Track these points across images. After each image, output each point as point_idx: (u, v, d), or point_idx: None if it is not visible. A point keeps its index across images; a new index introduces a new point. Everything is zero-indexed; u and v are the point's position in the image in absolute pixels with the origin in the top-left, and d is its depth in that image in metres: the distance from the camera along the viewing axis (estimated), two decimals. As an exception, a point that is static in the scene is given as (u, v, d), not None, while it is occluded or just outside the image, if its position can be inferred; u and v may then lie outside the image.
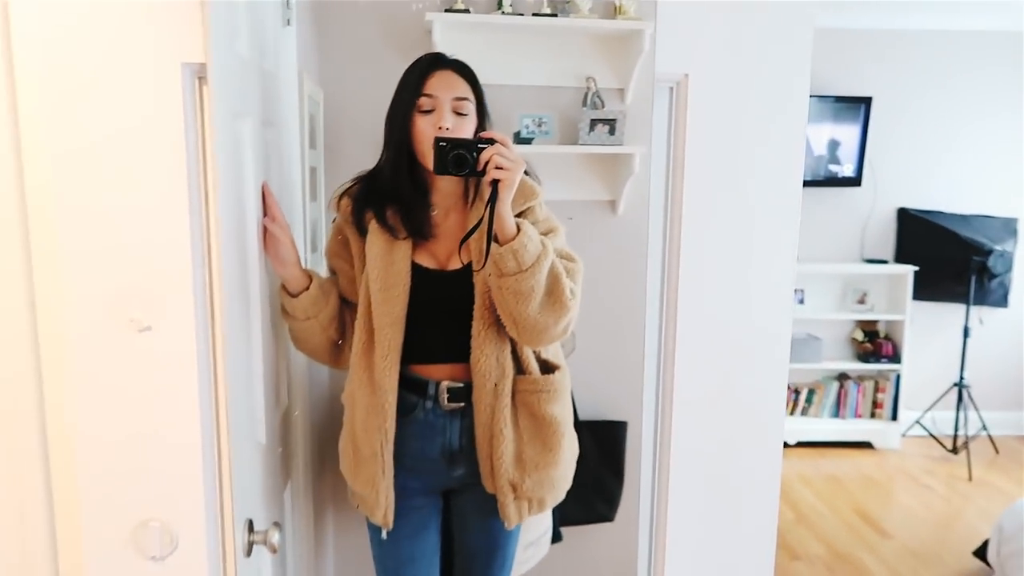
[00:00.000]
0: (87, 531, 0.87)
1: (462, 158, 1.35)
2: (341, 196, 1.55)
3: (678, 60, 0.76)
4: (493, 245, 1.38)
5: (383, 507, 1.53)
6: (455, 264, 1.55)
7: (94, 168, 0.87)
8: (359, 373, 1.50)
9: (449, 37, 2.06)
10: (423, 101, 1.47)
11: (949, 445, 4.59)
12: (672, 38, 0.71)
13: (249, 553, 1.12)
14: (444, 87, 1.48)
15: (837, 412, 4.81)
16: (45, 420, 0.89)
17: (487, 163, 1.35)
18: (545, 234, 1.49)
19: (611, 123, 2.19)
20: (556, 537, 2.07)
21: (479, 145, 1.36)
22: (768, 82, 0.75)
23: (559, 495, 1.65)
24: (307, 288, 1.48)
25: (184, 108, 0.87)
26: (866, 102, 4.57)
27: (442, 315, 1.54)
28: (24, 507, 0.92)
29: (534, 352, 1.58)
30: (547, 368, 1.59)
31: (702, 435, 0.85)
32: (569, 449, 1.64)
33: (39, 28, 0.83)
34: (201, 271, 0.89)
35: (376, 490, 1.51)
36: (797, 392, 4.79)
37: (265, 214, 1.38)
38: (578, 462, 2.11)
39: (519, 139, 2.24)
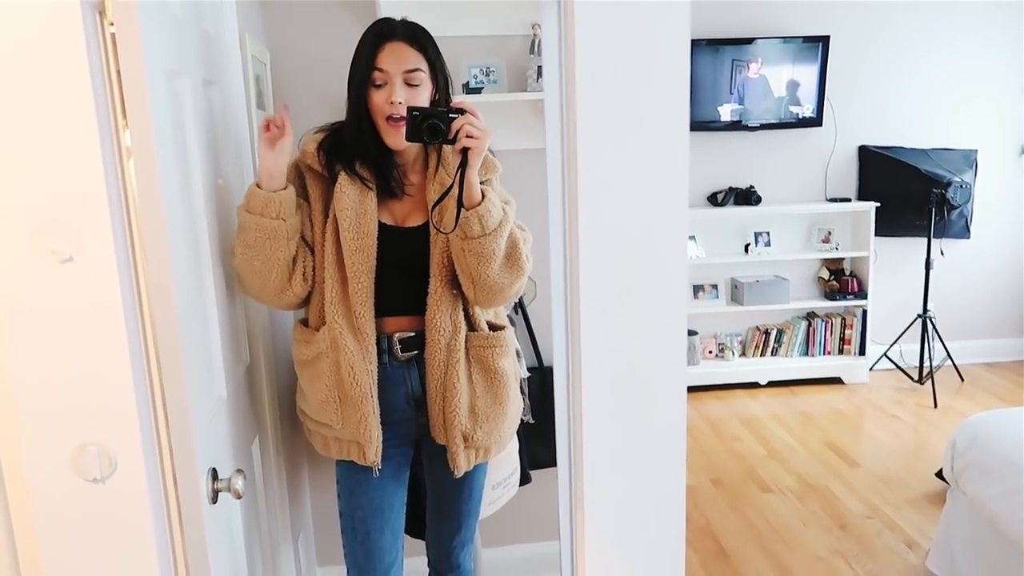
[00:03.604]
0: (28, 458, 0.90)
1: (435, 127, 1.41)
2: (317, 148, 1.57)
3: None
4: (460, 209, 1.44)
5: (375, 444, 1.58)
6: (412, 222, 1.61)
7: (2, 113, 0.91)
8: (339, 320, 1.54)
9: (392, -10, 2.05)
10: (376, 75, 1.51)
11: (915, 376, 4.72)
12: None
13: (215, 500, 1.16)
14: (394, 60, 1.51)
15: (807, 350, 4.92)
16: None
17: (458, 131, 1.41)
18: (503, 204, 1.56)
19: (558, 69, 2.20)
20: (525, 479, 2.13)
21: (450, 115, 1.41)
22: (650, 10, 0.77)
23: (503, 446, 1.75)
24: (286, 188, 1.48)
25: (87, 45, 0.88)
26: (823, 41, 4.59)
27: (398, 270, 1.59)
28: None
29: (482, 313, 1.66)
30: (493, 328, 1.68)
31: (607, 372, 0.89)
32: (514, 404, 1.73)
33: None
34: (118, 207, 0.92)
35: (369, 428, 1.57)
36: (767, 333, 4.88)
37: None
38: (544, 405, 2.17)
39: (468, 89, 2.25)
